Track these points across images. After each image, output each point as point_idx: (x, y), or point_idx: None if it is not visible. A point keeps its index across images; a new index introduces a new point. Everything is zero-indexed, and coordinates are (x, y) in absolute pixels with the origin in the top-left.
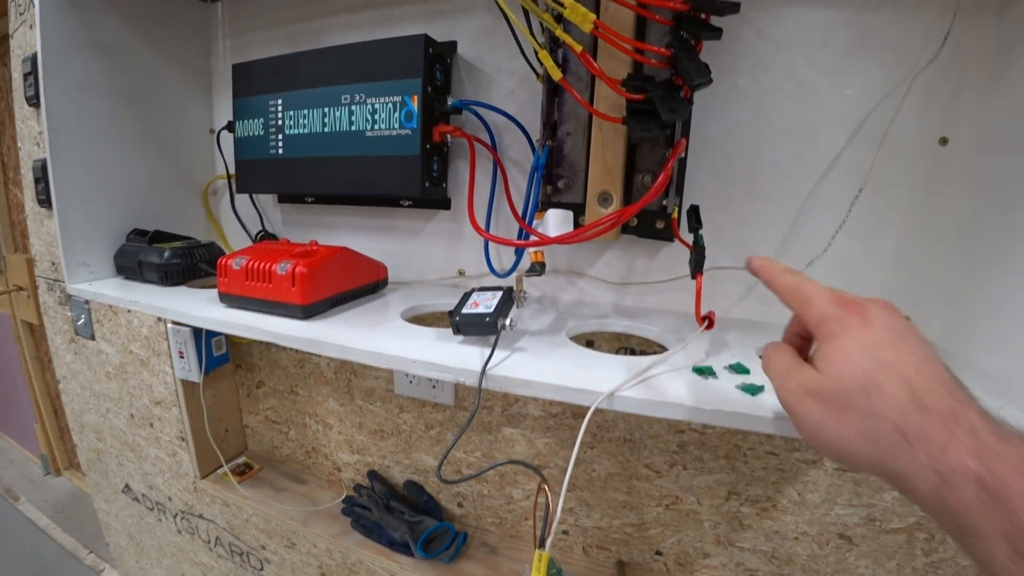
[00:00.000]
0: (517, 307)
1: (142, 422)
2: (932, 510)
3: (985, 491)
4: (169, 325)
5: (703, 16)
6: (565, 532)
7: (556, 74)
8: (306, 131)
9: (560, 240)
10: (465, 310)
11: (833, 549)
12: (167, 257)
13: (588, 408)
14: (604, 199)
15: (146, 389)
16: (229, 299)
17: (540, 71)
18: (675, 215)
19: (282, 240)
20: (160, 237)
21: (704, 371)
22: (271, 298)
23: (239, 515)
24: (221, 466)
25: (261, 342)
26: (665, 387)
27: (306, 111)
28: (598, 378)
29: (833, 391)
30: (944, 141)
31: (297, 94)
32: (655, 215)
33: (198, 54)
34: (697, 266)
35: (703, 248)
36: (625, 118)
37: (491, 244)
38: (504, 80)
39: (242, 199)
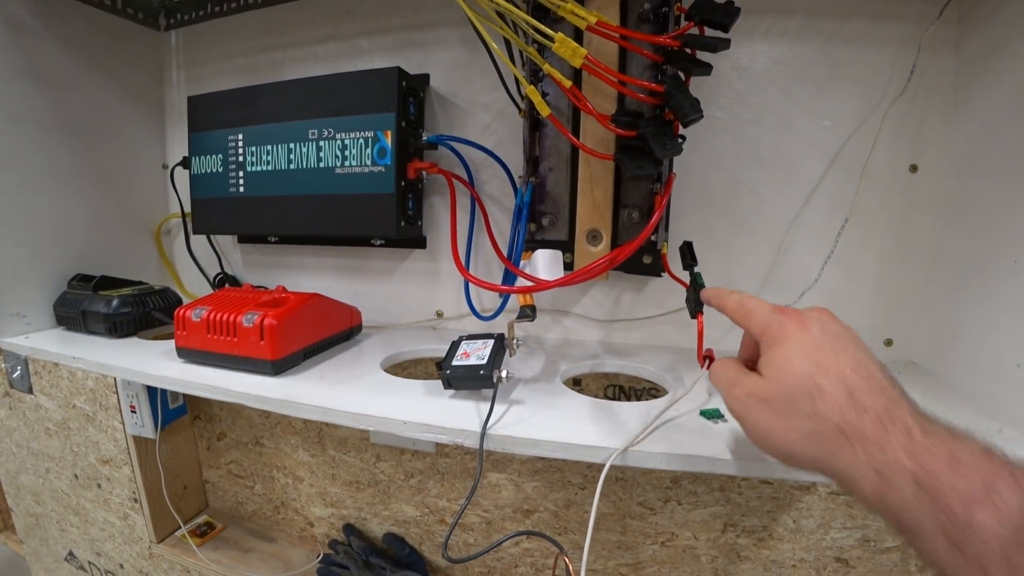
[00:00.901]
0: (509, 355)
1: (88, 483)
2: (876, 508)
3: (920, 487)
4: (119, 377)
5: (692, 52)
6: None
7: (544, 110)
8: (270, 168)
9: (555, 284)
10: (456, 362)
11: (831, 573)
12: (115, 306)
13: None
14: (593, 237)
15: (92, 447)
16: (188, 354)
17: (523, 106)
18: (664, 250)
19: (245, 286)
20: (107, 283)
21: (712, 415)
22: (237, 353)
23: None
24: (179, 527)
25: None
26: (678, 437)
27: (269, 147)
28: (606, 431)
29: (778, 395)
30: (914, 168)
31: (260, 128)
32: (642, 250)
33: (150, 85)
34: (697, 305)
35: (702, 286)
36: (617, 156)
37: (471, 284)
38: (480, 114)
39: (199, 239)
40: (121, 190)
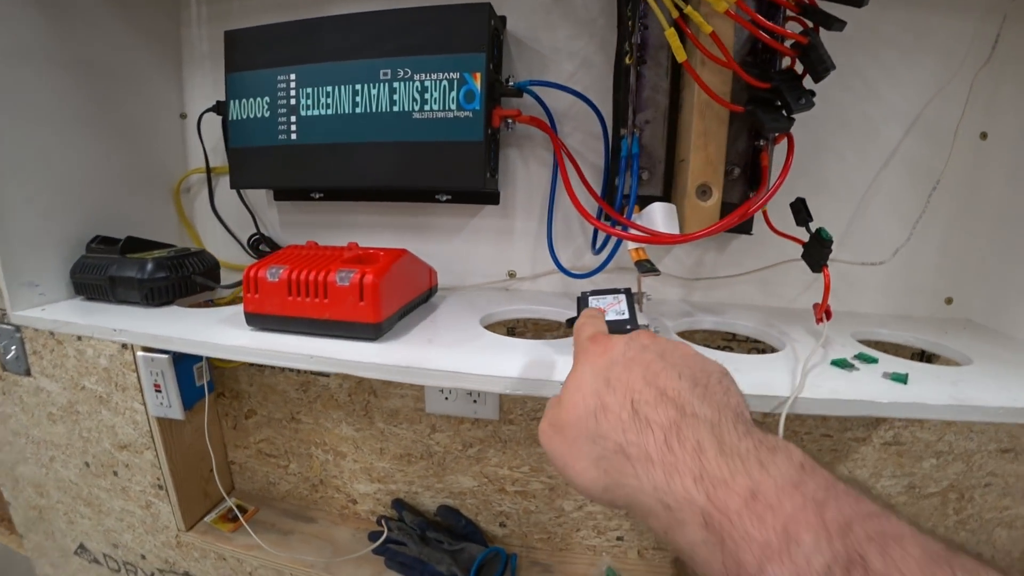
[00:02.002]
0: (640, 310)
1: (102, 471)
2: (672, 548)
3: (708, 530)
4: (139, 353)
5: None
6: (620, 538)
7: (681, 55)
8: (329, 112)
9: (684, 239)
10: None
11: None
12: (151, 270)
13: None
14: (703, 192)
15: (107, 432)
16: (262, 320)
17: (631, 54)
18: (765, 208)
19: (308, 243)
20: (135, 245)
21: (843, 364)
22: (329, 316)
23: (240, 569)
24: (209, 513)
25: (254, 365)
26: (830, 384)
27: (329, 88)
28: (761, 381)
29: (567, 421)
30: (984, 135)
31: (318, 67)
32: (732, 207)
33: (166, 21)
34: (823, 259)
35: (830, 240)
36: (749, 108)
37: (555, 242)
38: (563, 62)
39: (224, 198)
40: (137, 141)
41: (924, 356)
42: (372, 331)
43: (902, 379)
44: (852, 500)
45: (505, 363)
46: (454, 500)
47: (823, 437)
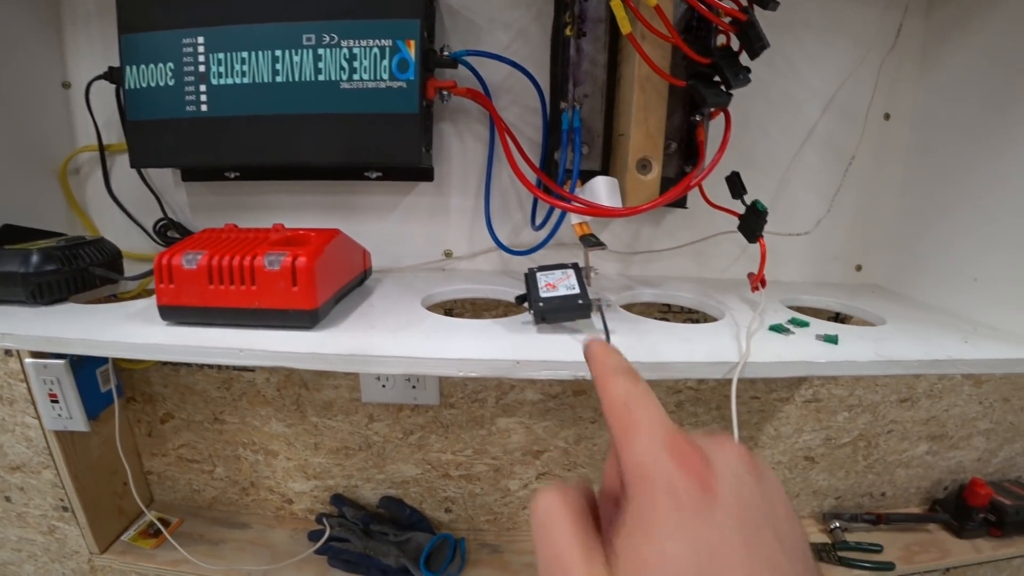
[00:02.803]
0: (588, 285)
1: None
2: None
3: None
4: (27, 360)
5: None
6: None
7: (626, 27)
8: (245, 80)
9: (630, 212)
10: (545, 294)
11: (800, 471)
12: (37, 263)
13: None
14: (643, 166)
15: None
16: (178, 313)
17: (571, 25)
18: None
19: (227, 226)
20: (14, 234)
21: (780, 329)
22: (259, 305)
23: None
24: (126, 530)
25: (167, 365)
26: (774, 348)
27: (245, 54)
28: (710, 349)
29: None
30: (887, 116)
31: (231, 30)
32: (671, 181)
33: None
34: (759, 229)
35: (765, 211)
36: (691, 83)
37: (493, 219)
38: (498, 32)
39: (122, 179)
40: (10, 115)
41: (839, 318)
42: (308, 318)
43: (833, 340)
44: None
45: (457, 345)
46: (397, 490)
47: (752, 399)
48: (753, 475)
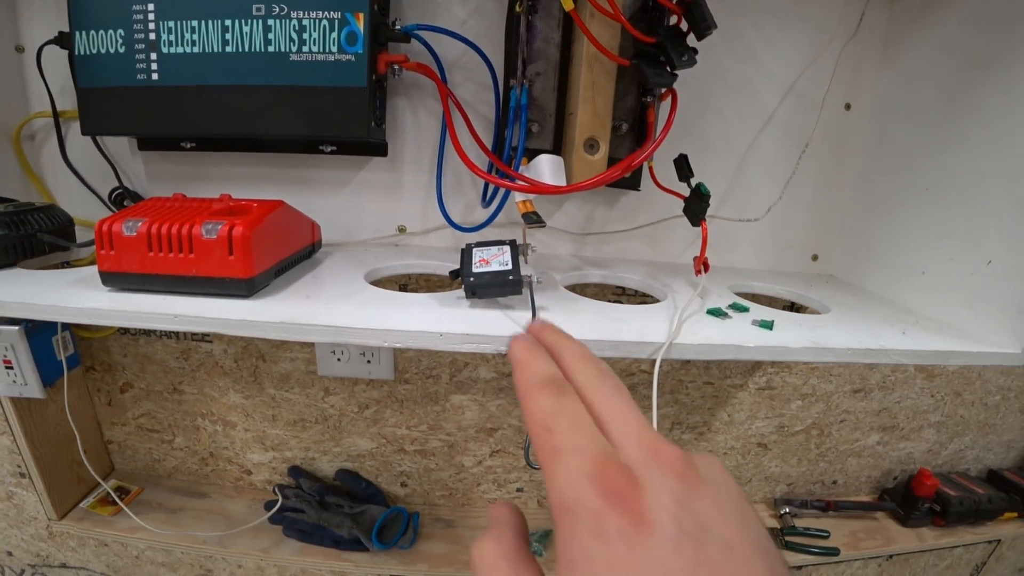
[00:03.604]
0: (525, 262)
1: None
2: None
3: None
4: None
5: None
6: (520, 489)
7: (568, 3)
8: (196, 50)
9: (568, 190)
10: (477, 269)
11: (753, 456)
12: None
13: None
14: (591, 146)
15: None
16: (119, 279)
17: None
18: (651, 164)
19: (175, 196)
20: None
21: (717, 313)
22: (194, 273)
23: (124, 553)
24: (85, 498)
25: (127, 333)
26: (705, 331)
27: (195, 23)
28: (639, 329)
29: None
30: (848, 106)
31: None
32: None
33: None
34: (701, 213)
35: (708, 195)
36: (635, 62)
37: (444, 195)
38: (455, 7)
39: (79, 147)
40: None
41: (794, 307)
42: (244, 287)
43: (768, 325)
44: None
45: (390, 317)
46: (353, 463)
47: (706, 384)
48: (692, 488)
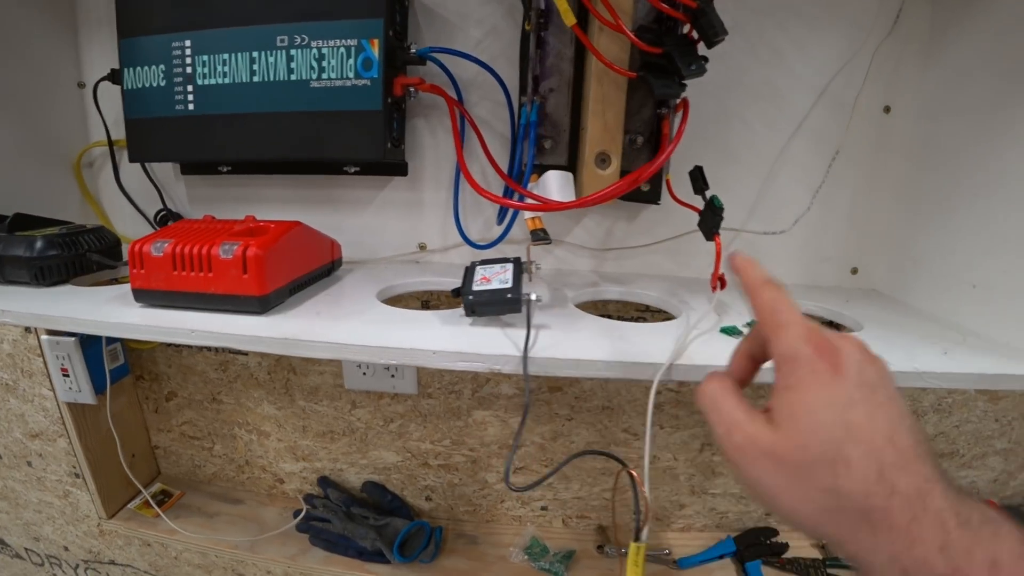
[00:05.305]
0: (529, 279)
1: (15, 462)
2: None
3: None
4: (43, 336)
5: None
6: (544, 508)
7: (570, 19)
8: (227, 81)
9: (571, 206)
10: (477, 287)
11: None
12: (41, 248)
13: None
14: (602, 160)
15: (16, 420)
16: (148, 296)
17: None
18: (668, 176)
19: (205, 217)
20: (24, 222)
21: (732, 331)
22: (213, 290)
23: (165, 554)
24: (133, 499)
25: (171, 346)
26: (711, 351)
27: (226, 55)
28: (641, 349)
29: (793, 458)
30: (887, 109)
31: (213, 33)
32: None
33: None
34: (715, 227)
35: (721, 208)
36: (641, 74)
37: (461, 212)
38: (470, 29)
39: (132, 172)
40: (30, 112)
41: (832, 325)
42: (258, 304)
43: None
44: None
45: (391, 334)
46: (379, 475)
47: None
48: (868, 361)
